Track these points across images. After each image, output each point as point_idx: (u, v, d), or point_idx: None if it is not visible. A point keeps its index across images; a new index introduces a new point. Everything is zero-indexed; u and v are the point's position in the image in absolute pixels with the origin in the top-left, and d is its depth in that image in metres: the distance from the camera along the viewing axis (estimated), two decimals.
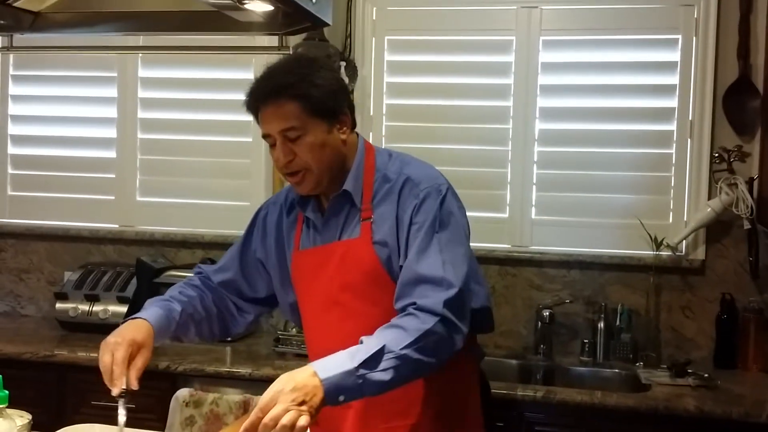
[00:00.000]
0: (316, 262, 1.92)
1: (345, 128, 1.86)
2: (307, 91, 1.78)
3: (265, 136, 1.85)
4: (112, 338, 1.78)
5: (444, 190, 1.84)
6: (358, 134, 1.96)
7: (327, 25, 1.73)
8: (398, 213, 1.82)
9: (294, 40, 3.11)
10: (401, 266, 1.79)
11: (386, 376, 1.59)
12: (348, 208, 1.90)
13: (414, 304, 1.70)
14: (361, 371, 1.56)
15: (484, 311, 1.99)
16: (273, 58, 3.38)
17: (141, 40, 3.28)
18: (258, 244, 2.09)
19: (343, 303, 1.86)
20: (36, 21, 1.87)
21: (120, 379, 1.72)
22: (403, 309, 1.72)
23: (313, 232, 1.97)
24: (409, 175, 1.85)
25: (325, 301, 1.90)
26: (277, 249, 2.05)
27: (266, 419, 1.45)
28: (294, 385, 1.50)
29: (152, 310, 1.90)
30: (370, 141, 3.36)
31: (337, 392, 1.54)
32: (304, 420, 1.47)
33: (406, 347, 1.61)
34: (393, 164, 1.90)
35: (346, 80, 3.30)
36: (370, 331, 1.67)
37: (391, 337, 1.63)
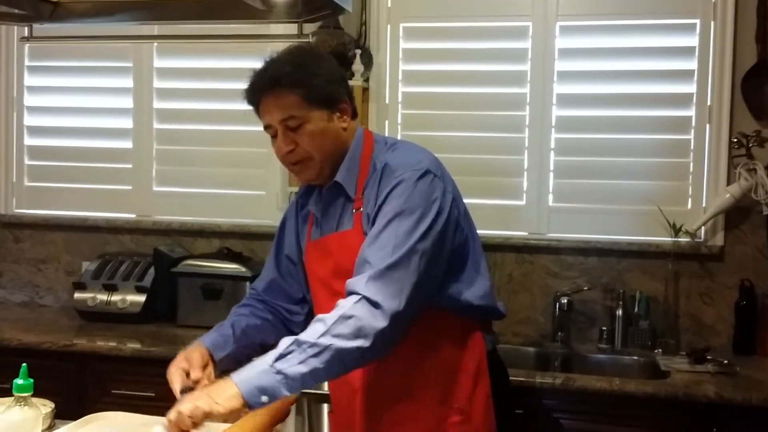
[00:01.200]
0: (319, 253, 1.96)
1: (345, 116, 1.88)
2: (306, 80, 1.81)
3: (266, 128, 1.88)
4: None
5: (420, 174, 1.80)
6: (358, 124, 1.97)
7: (347, 11, 1.72)
8: (376, 201, 1.82)
9: (310, 28, 3.10)
10: None
11: (304, 367, 1.59)
12: (343, 200, 1.92)
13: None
14: (278, 367, 1.58)
15: (485, 301, 1.96)
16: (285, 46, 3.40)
17: (156, 29, 3.28)
18: (286, 242, 2.13)
19: (343, 294, 1.83)
20: (55, 11, 1.88)
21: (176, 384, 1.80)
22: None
23: (317, 224, 2.00)
24: (387, 161, 1.85)
25: (328, 293, 1.92)
26: (297, 245, 2.10)
27: (171, 414, 1.56)
28: (205, 390, 1.60)
29: (207, 334, 2.01)
30: (386, 129, 3.39)
31: (258, 392, 1.56)
32: (204, 405, 1.54)
33: (321, 335, 1.61)
34: (385, 153, 1.90)
35: (362, 68, 3.29)
36: None
37: (310, 331, 1.65)
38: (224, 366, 1.92)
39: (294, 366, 1.58)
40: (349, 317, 1.64)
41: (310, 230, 2.03)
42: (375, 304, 1.66)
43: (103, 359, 3.03)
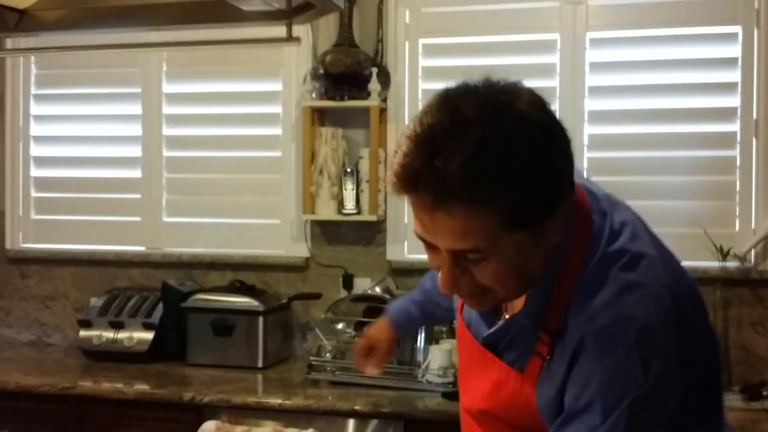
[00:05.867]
0: (470, 353, 1.39)
1: (558, 219, 1.13)
2: (503, 192, 1.05)
3: (420, 236, 1.16)
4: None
5: (658, 369, 1.11)
6: (573, 204, 1.21)
7: (337, 8, 1.52)
8: (567, 381, 1.17)
9: (303, 30, 2.82)
10: None
11: None
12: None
13: None
14: None
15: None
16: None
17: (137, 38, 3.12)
18: None
19: (486, 413, 1.35)
20: (22, 20, 1.70)
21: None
22: None
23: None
24: (605, 323, 1.13)
25: (472, 404, 1.40)
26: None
27: None
28: None
29: (400, 307, 1.92)
30: None
31: None
32: None
33: None
34: (608, 282, 1.16)
35: (379, 88, 3.10)
36: None
37: None
38: None
39: None
40: None
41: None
42: None
43: (104, 402, 2.87)
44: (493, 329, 1.30)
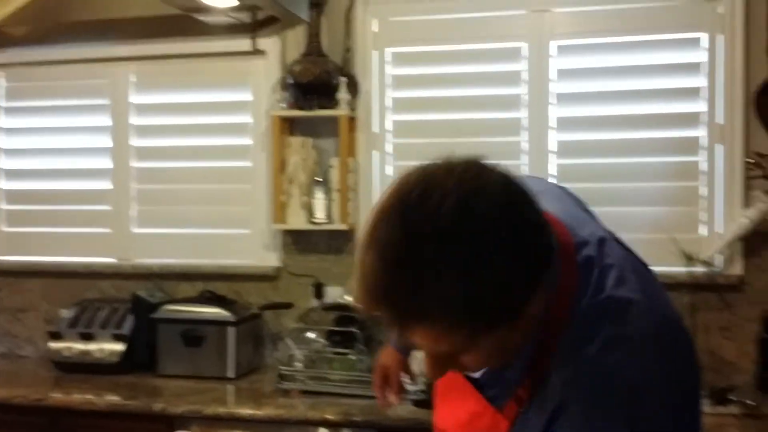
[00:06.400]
0: (451, 378, 1.35)
1: (540, 299, 1.07)
2: (467, 312, 1.01)
3: None
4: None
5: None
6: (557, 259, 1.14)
7: (301, 21, 1.52)
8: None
9: (271, 41, 2.83)
10: None
11: None
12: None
13: None
14: None
15: None
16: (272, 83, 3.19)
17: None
18: None
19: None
20: None
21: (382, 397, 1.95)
22: None
23: None
24: (588, 381, 1.10)
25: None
26: None
27: None
28: None
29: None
30: (374, 159, 3.19)
31: None
32: None
33: None
34: (594, 337, 1.12)
35: (348, 97, 3.11)
36: None
37: None
38: None
39: None
40: None
41: None
42: None
43: (75, 414, 2.85)
44: None
